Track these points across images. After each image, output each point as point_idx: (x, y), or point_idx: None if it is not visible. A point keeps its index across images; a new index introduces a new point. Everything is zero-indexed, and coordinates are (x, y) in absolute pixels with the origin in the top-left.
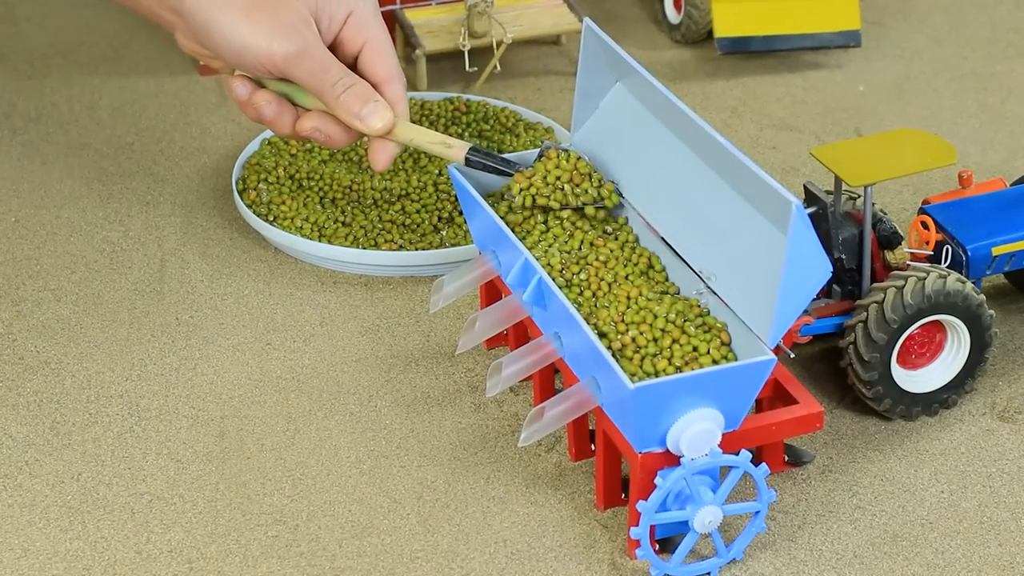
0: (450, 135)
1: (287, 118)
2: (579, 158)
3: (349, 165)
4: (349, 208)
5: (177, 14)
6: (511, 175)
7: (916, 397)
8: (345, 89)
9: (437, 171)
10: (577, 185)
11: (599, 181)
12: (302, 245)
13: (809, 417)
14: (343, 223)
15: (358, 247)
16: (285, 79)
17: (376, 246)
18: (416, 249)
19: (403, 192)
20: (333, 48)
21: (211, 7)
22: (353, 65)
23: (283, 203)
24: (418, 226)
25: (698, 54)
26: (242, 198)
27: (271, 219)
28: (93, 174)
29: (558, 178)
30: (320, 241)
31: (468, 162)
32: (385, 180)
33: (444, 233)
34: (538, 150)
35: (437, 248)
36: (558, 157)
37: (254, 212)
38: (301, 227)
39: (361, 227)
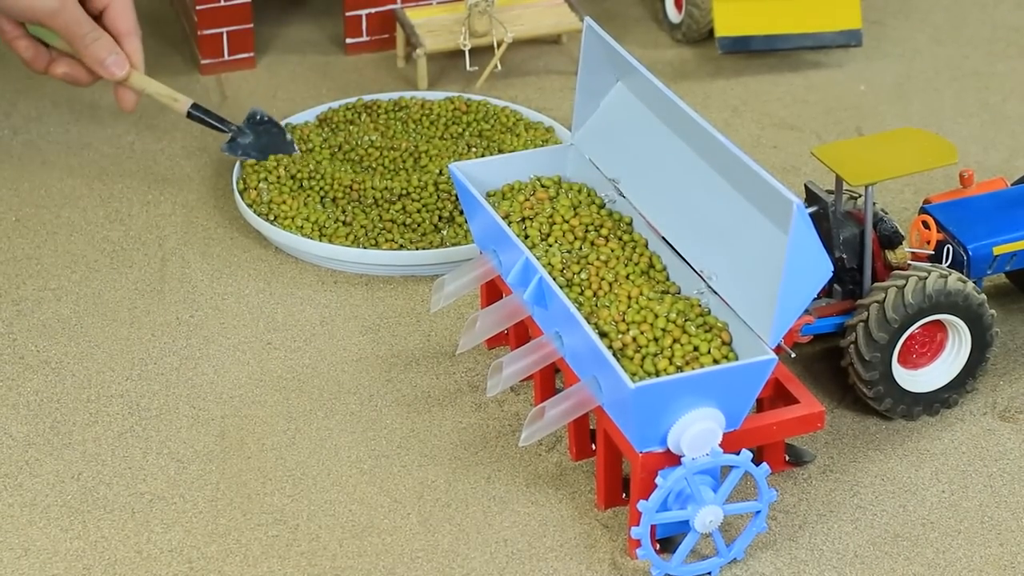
0: (450, 134)
1: (42, 60)
2: None
3: (352, 164)
4: (350, 207)
5: None
6: (226, 131)
7: (917, 397)
8: (94, 40)
9: (438, 171)
10: None
11: None
12: (303, 244)
13: (810, 417)
14: (344, 222)
15: (359, 246)
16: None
17: (377, 245)
18: (417, 248)
19: (403, 191)
20: (82, 3)
21: None
22: (98, 19)
23: (283, 202)
24: (419, 225)
25: (699, 53)
26: (242, 198)
27: (272, 218)
28: (93, 173)
29: None
30: (321, 240)
31: (190, 115)
32: (386, 180)
33: (445, 232)
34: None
35: (438, 248)
36: None
37: (255, 212)
38: (302, 226)
39: (362, 226)
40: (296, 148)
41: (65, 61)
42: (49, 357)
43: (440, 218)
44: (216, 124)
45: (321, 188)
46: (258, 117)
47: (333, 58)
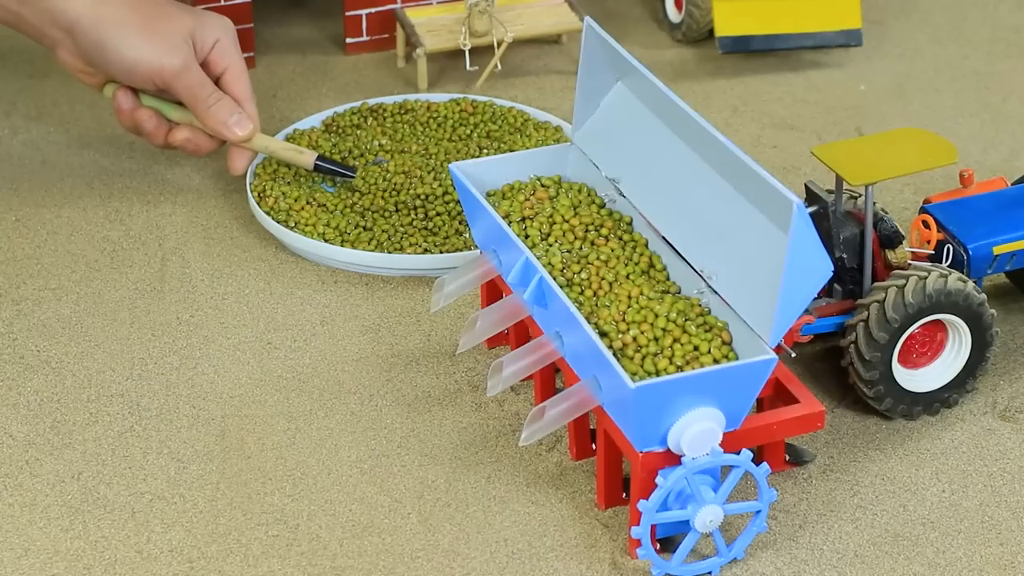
0: (458, 136)
1: (161, 131)
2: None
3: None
4: (369, 213)
5: (69, 33)
6: (352, 178)
7: (917, 396)
8: (216, 102)
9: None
10: None
11: None
12: (325, 251)
13: (810, 416)
14: (364, 227)
15: (382, 251)
16: (158, 96)
17: (401, 250)
18: (441, 252)
19: (425, 197)
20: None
21: (107, 27)
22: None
23: (302, 209)
24: (440, 228)
25: (699, 53)
26: (260, 205)
27: (291, 225)
28: (94, 173)
29: None
30: (343, 246)
31: (316, 168)
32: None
33: (468, 235)
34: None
35: (462, 251)
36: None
37: (273, 219)
38: (324, 232)
39: (383, 231)
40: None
41: (185, 128)
42: (49, 357)
43: (461, 222)
44: (341, 171)
45: (341, 197)
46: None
47: (333, 58)
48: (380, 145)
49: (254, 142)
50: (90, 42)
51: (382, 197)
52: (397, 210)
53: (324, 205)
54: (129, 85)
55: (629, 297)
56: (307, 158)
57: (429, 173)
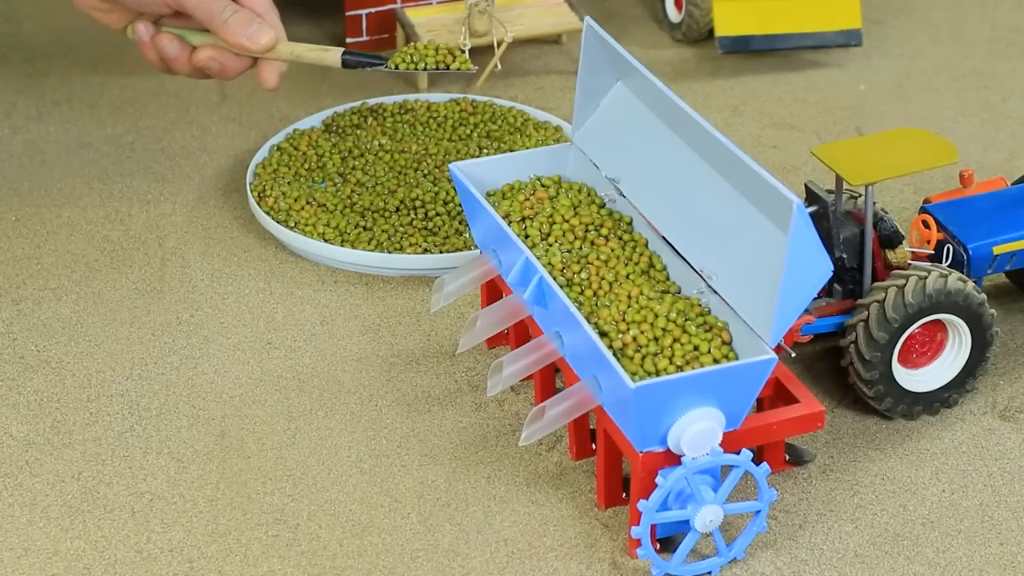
0: (458, 136)
1: (185, 55)
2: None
3: (362, 170)
4: (369, 213)
5: None
6: (383, 64)
7: (917, 396)
8: (232, 14)
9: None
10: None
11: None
12: (324, 251)
13: (810, 416)
14: (364, 228)
15: (383, 251)
16: (177, 17)
17: (401, 250)
18: (442, 252)
19: (421, 199)
20: None
21: None
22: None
23: (302, 209)
24: (440, 228)
25: (699, 53)
26: (260, 205)
27: (291, 225)
28: (94, 173)
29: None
30: (343, 246)
31: (344, 63)
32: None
33: (468, 235)
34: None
35: (462, 251)
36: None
37: (273, 219)
38: (323, 232)
39: (383, 231)
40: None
41: (208, 47)
42: (49, 357)
43: (461, 221)
44: (371, 61)
45: (343, 197)
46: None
47: None
48: (380, 145)
49: (278, 50)
50: None
51: (382, 198)
52: (397, 210)
53: (324, 205)
54: (145, 11)
55: (629, 297)
56: (333, 55)
57: (426, 176)
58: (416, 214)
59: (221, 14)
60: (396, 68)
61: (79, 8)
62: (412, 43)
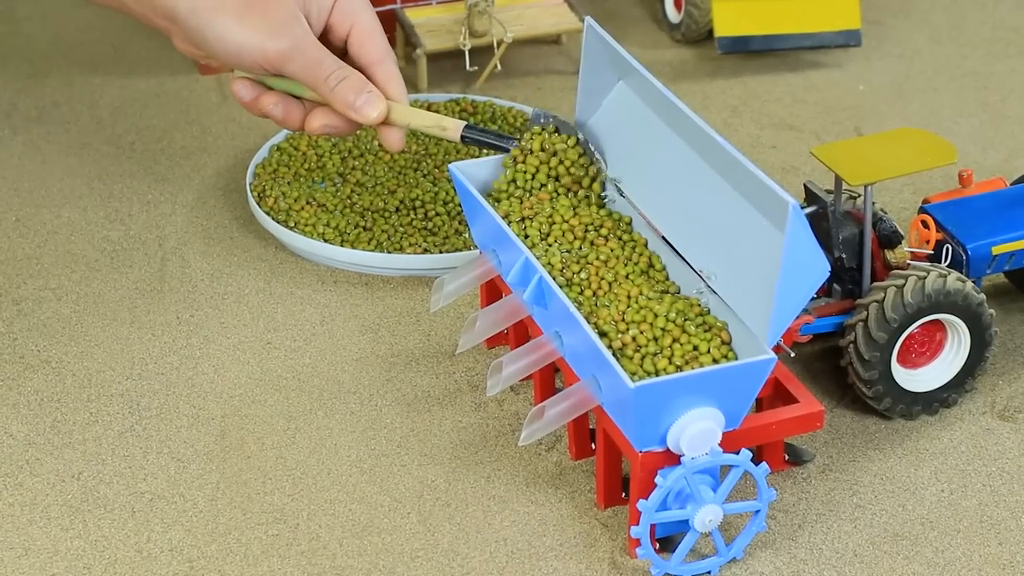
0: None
1: (295, 115)
2: (569, 137)
3: (362, 171)
4: (369, 213)
5: (171, 21)
6: (507, 150)
7: (916, 396)
8: (339, 82)
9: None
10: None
11: (586, 162)
12: (324, 251)
13: (809, 416)
14: (364, 228)
15: (382, 251)
16: (282, 76)
17: (401, 250)
18: (441, 252)
19: (420, 199)
20: (323, 35)
21: (204, 12)
22: (344, 49)
23: (302, 209)
24: (440, 228)
25: (698, 53)
26: (260, 205)
27: (291, 225)
28: (94, 173)
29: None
30: (343, 246)
31: (464, 140)
32: (413, 189)
33: (468, 235)
34: (532, 120)
35: (461, 251)
36: (544, 132)
37: (273, 219)
38: (323, 232)
39: (383, 231)
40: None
41: (321, 111)
42: (49, 356)
43: (461, 221)
44: (496, 143)
45: (343, 197)
46: (542, 120)
47: None
48: (380, 145)
49: (393, 118)
50: (191, 29)
51: (382, 198)
52: (397, 210)
53: (324, 205)
54: (247, 70)
55: (628, 297)
56: (452, 132)
57: (426, 176)
58: (416, 214)
59: (327, 82)
60: (521, 151)
61: (183, 54)
62: (537, 132)
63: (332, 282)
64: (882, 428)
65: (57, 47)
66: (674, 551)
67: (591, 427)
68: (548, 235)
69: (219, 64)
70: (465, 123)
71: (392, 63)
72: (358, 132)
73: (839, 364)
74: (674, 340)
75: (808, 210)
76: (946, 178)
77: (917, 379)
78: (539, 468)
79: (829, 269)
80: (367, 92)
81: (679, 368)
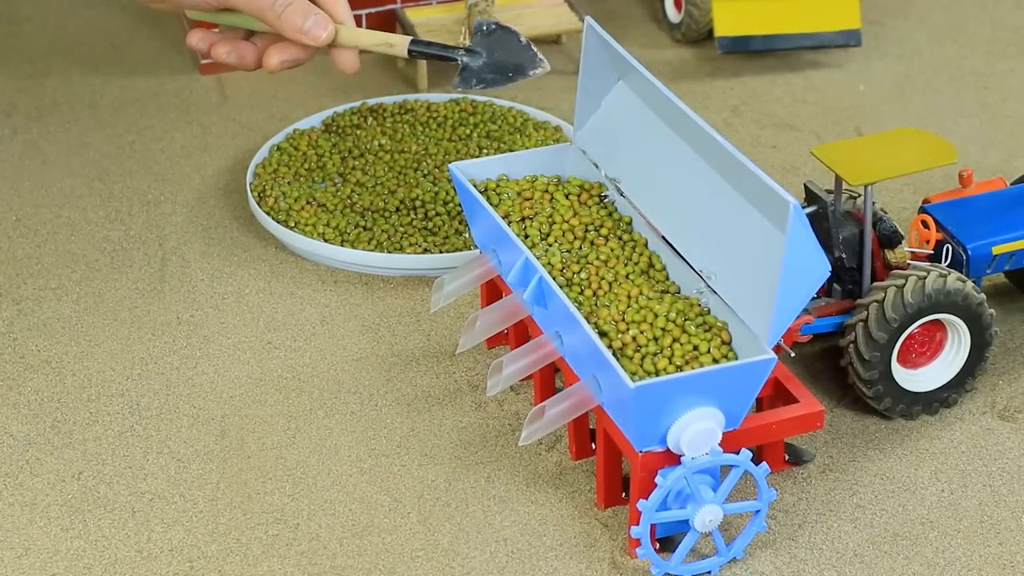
0: (458, 136)
1: (249, 57)
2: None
3: (362, 170)
4: (369, 213)
5: None
6: (455, 60)
7: (916, 396)
8: (285, 7)
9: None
10: None
11: None
12: (324, 250)
13: (809, 416)
14: (364, 227)
15: (382, 251)
16: (229, 10)
17: (401, 250)
18: (442, 252)
19: (421, 199)
20: None
21: None
22: None
23: (302, 209)
24: (440, 228)
25: (698, 53)
26: (260, 205)
27: (291, 225)
28: (94, 173)
29: None
30: (343, 246)
31: (411, 53)
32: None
33: (468, 235)
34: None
35: (461, 251)
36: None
37: (273, 219)
38: (323, 232)
39: (383, 231)
40: (545, 63)
41: (274, 48)
42: (50, 356)
43: (461, 221)
44: (442, 54)
45: (343, 197)
46: (485, 28)
47: None
48: (380, 145)
49: (341, 39)
50: None
51: (382, 198)
52: (397, 210)
53: (324, 205)
54: (193, 8)
55: (628, 297)
56: (400, 48)
57: (426, 176)
58: (416, 214)
59: (273, 9)
60: (465, 57)
61: None
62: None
63: (332, 282)
64: (882, 428)
65: (57, 47)
66: (674, 551)
67: (591, 427)
68: (548, 235)
69: (169, 5)
70: (411, 38)
71: None
72: (357, 132)
73: (839, 364)
74: (674, 340)
75: (808, 210)
76: (946, 178)
77: (917, 379)
78: (539, 468)
79: (830, 269)
80: (314, 15)
81: (679, 368)
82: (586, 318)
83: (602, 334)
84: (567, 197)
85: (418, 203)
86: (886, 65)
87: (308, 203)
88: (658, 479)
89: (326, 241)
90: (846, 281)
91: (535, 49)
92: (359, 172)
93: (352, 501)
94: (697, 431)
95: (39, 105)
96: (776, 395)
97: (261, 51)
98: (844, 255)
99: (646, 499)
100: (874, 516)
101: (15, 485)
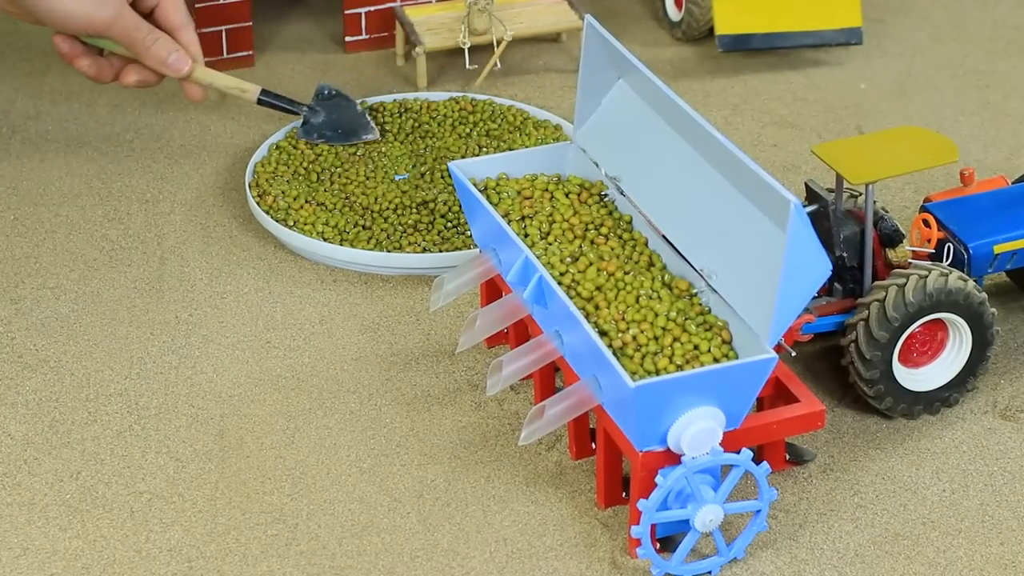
0: (457, 135)
1: (106, 72)
2: None
3: (363, 168)
4: (369, 213)
5: None
6: (297, 113)
7: (918, 395)
8: (153, 42)
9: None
10: None
11: None
12: (324, 250)
13: (810, 416)
14: (363, 227)
15: (382, 250)
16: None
17: (400, 249)
18: (441, 251)
19: (420, 200)
20: (133, 4)
21: None
22: (149, 16)
23: (301, 207)
24: (440, 229)
25: (699, 51)
26: (259, 204)
27: (290, 224)
28: (92, 172)
29: None
30: (342, 245)
31: (260, 102)
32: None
33: (468, 234)
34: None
35: (461, 250)
36: None
37: (272, 218)
38: (323, 231)
39: (383, 230)
40: (376, 131)
41: (132, 68)
42: (48, 356)
43: (460, 221)
44: (287, 107)
45: (337, 195)
46: (326, 92)
47: (332, 56)
48: (380, 149)
49: (195, 76)
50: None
51: (384, 197)
52: (395, 209)
53: (323, 204)
54: (73, 33)
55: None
56: (250, 94)
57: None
58: (416, 213)
59: (143, 41)
60: (307, 113)
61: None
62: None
63: (331, 281)
64: (883, 427)
65: None
66: (675, 551)
67: (591, 427)
68: (548, 234)
69: (33, 21)
70: (262, 88)
71: (192, 30)
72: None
73: (840, 363)
74: (674, 339)
75: (809, 209)
76: (947, 177)
77: (918, 378)
78: (539, 468)
79: (831, 268)
80: (176, 51)
81: (680, 367)
82: (586, 317)
83: (602, 333)
84: (567, 196)
85: (418, 203)
86: (887, 63)
87: (307, 202)
88: (658, 479)
89: (325, 240)
90: (847, 280)
91: (368, 118)
92: (359, 172)
93: (351, 501)
94: (698, 431)
95: (37, 104)
96: (777, 394)
97: (118, 69)
98: (845, 254)
99: (646, 499)
100: (875, 516)
101: (13, 485)
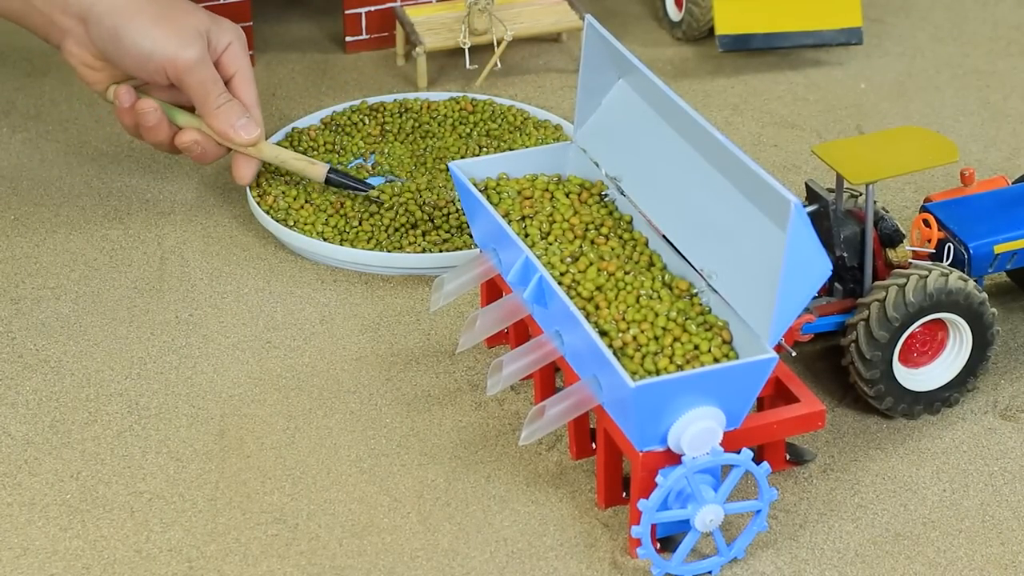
0: (457, 135)
1: (165, 128)
2: None
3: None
4: (368, 212)
5: (82, 21)
6: (366, 192)
7: (918, 395)
8: (225, 102)
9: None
10: None
11: None
12: (324, 249)
13: (811, 416)
14: (362, 220)
15: (382, 250)
16: (166, 90)
17: (401, 249)
18: (442, 251)
19: (430, 199)
20: None
21: (122, 14)
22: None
23: (301, 207)
24: (439, 228)
25: (699, 51)
26: (259, 204)
27: (290, 223)
28: (92, 172)
29: None
30: (343, 245)
31: (328, 180)
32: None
33: (468, 234)
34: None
35: (461, 250)
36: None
37: (272, 217)
38: (323, 231)
39: (383, 230)
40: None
41: (192, 130)
42: (48, 356)
43: (461, 221)
44: (356, 187)
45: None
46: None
47: (332, 56)
48: (382, 152)
49: (261, 149)
50: (104, 29)
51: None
52: (394, 208)
53: (321, 206)
54: (138, 77)
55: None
56: (319, 170)
57: (426, 175)
58: (416, 213)
59: (216, 99)
60: (378, 199)
61: (68, 62)
62: (401, 184)
63: (332, 281)
64: (883, 427)
65: None
66: (675, 551)
67: (591, 426)
68: (548, 234)
69: (100, 76)
70: (329, 165)
71: (259, 112)
72: (357, 132)
73: (840, 363)
74: (675, 339)
75: (809, 209)
76: (948, 177)
77: (919, 378)
78: (539, 468)
79: (831, 268)
80: (247, 117)
81: (680, 367)
82: (586, 317)
83: (602, 333)
84: (567, 196)
85: (418, 202)
86: (887, 63)
87: (307, 202)
88: (659, 479)
89: (325, 240)
90: (847, 280)
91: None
92: (360, 172)
93: (352, 501)
94: (698, 430)
95: (37, 104)
96: (777, 394)
97: (176, 131)
98: (845, 254)
99: (647, 499)
100: (875, 516)
101: (13, 485)
